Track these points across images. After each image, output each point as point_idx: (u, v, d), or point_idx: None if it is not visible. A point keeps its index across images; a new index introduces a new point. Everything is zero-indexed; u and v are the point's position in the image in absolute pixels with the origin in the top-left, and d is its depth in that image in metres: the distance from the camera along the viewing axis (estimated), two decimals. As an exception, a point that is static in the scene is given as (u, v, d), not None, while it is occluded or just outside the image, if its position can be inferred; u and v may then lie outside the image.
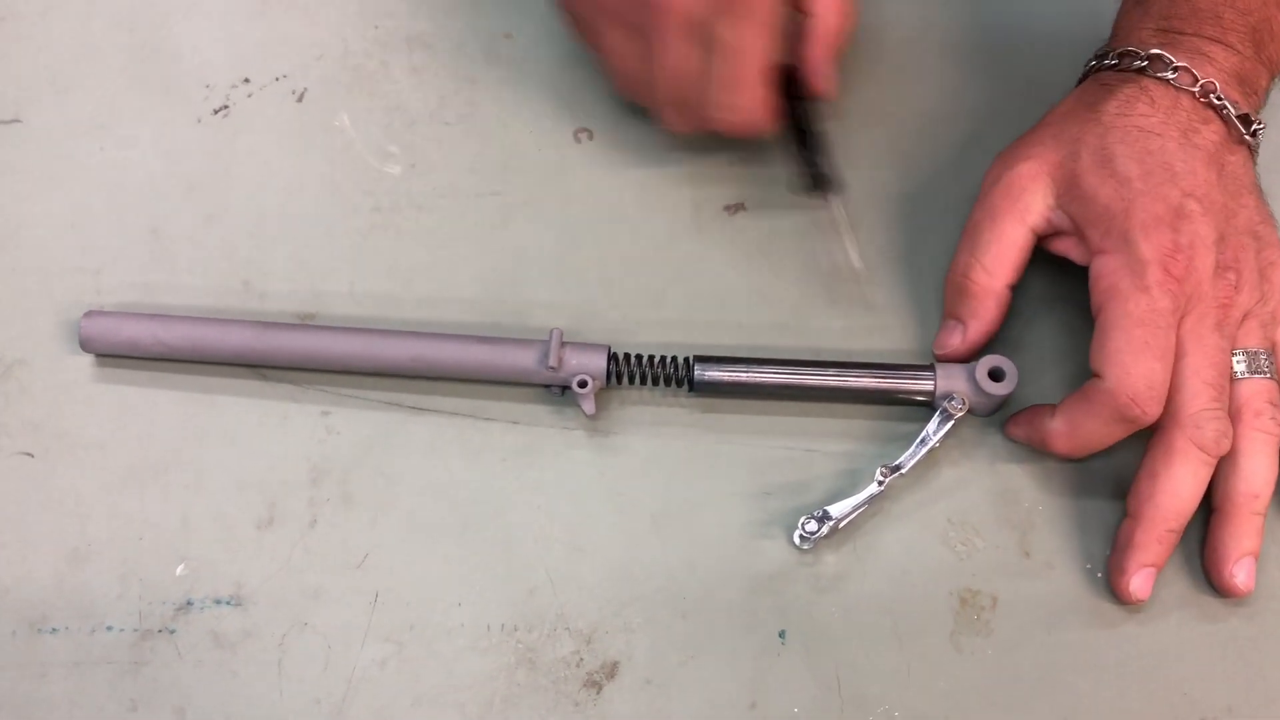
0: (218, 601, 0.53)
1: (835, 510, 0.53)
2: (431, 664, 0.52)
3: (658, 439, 0.56)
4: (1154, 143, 0.53)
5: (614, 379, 0.55)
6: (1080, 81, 0.59)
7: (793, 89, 0.58)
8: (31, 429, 0.57)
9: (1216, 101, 0.54)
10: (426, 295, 0.60)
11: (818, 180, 0.58)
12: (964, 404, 0.54)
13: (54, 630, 0.53)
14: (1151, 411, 0.50)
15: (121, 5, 0.67)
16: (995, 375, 0.54)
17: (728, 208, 0.62)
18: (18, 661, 0.52)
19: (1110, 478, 0.55)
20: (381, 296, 0.60)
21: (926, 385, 0.55)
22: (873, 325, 0.59)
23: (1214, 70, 0.54)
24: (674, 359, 0.56)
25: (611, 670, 0.52)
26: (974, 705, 0.52)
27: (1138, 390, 0.50)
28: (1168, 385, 0.51)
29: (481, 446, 0.56)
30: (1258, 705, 0.51)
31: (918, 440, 0.54)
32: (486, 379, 0.57)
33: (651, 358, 0.56)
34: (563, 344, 0.55)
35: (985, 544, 0.54)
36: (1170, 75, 0.54)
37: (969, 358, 0.56)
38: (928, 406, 0.55)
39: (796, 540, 0.54)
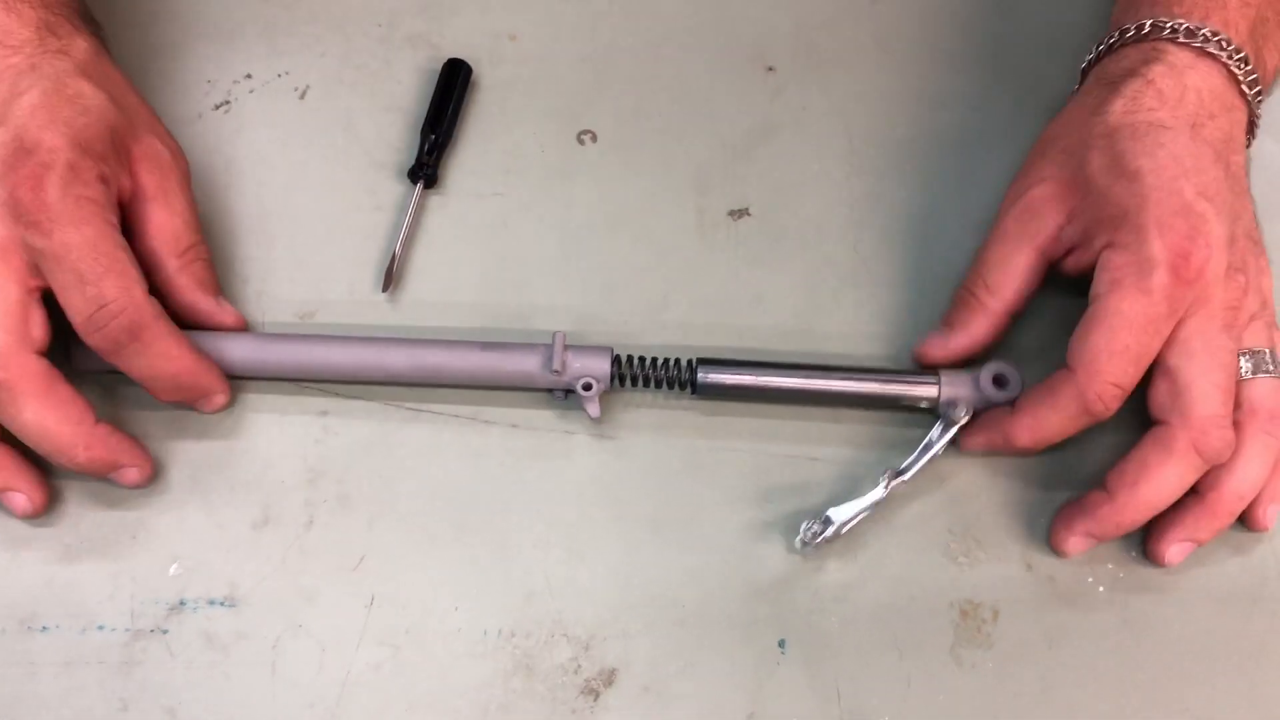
0: (211, 602, 0.53)
1: (836, 514, 0.52)
2: (427, 669, 0.52)
3: (658, 443, 0.56)
4: (1165, 135, 0.52)
5: (616, 382, 0.55)
6: (1081, 81, 0.59)
7: None
8: (25, 424, 0.56)
9: (1226, 48, 0.54)
10: (427, 297, 0.59)
11: None
12: (968, 411, 0.54)
13: (44, 629, 0.52)
14: (1112, 409, 0.51)
15: (123, -2, 0.66)
16: (999, 381, 0.54)
17: (732, 213, 0.61)
18: (7, 660, 0.51)
19: (1113, 491, 0.55)
20: (382, 298, 0.59)
21: (930, 392, 0.54)
22: (876, 333, 0.58)
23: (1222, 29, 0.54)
24: (677, 361, 0.55)
25: (609, 677, 0.52)
26: (974, 718, 0.51)
27: (1104, 391, 0.50)
28: (1133, 386, 0.51)
29: (480, 449, 0.56)
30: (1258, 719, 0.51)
31: (921, 445, 0.54)
32: (489, 385, 0.56)
33: (655, 360, 0.55)
34: (565, 347, 0.55)
35: (987, 556, 0.54)
36: (1178, 27, 0.54)
37: (948, 366, 0.56)
38: (932, 413, 0.55)
39: (797, 545, 0.53)
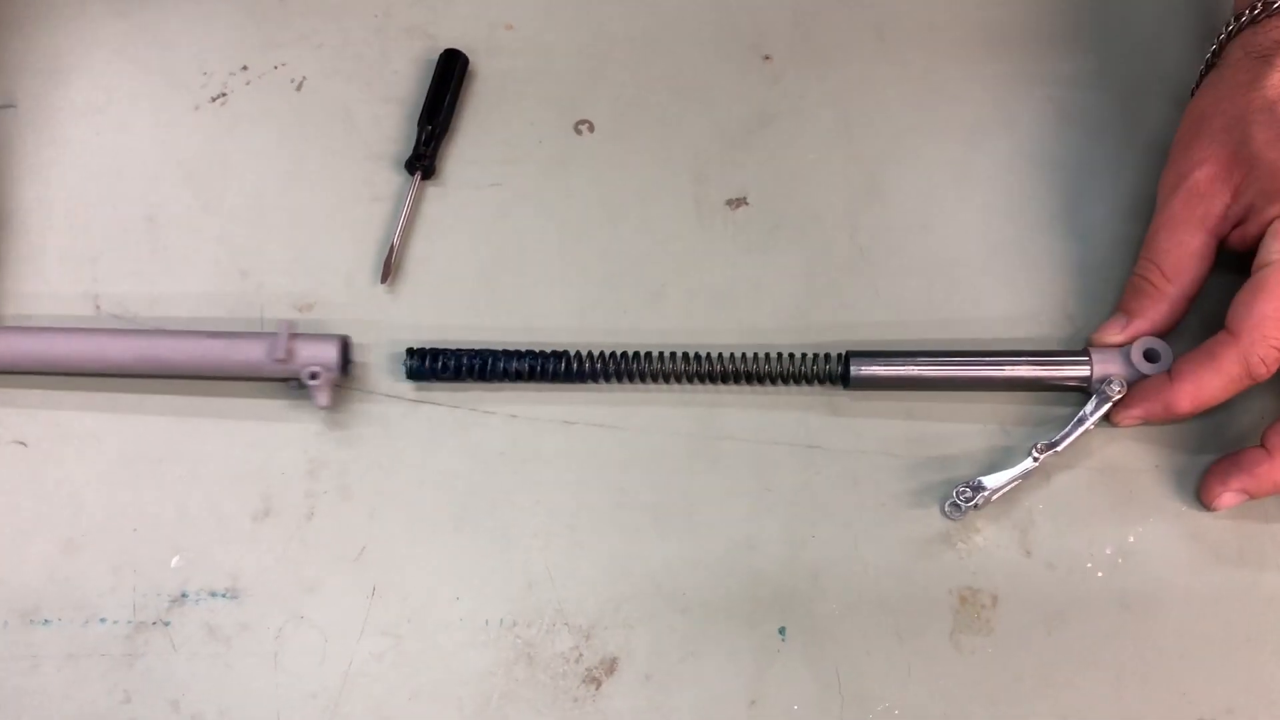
0: (213, 594, 0.53)
1: (989, 481, 0.53)
2: (429, 658, 0.52)
3: (658, 433, 0.56)
4: None
5: (767, 380, 0.55)
6: (1216, 53, 0.58)
7: None
8: (25, 417, 0.56)
9: None
10: (426, 288, 0.59)
11: None
12: (1123, 386, 0.54)
13: (46, 622, 0.52)
14: (1274, 370, 0.51)
15: (118, -10, 0.66)
16: (1151, 356, 0.55)
17: (730, 201, 0.61)
18: (10, 653, 0.52)
19: (1108, 477, 0.55)
20: (380, 289, 0.59)
21: (1083, 371, 0.55)
22: (875, 319, 0.59)
23: None
24: (827, 355, 0.55)
25: (611, 666, 0.52)
26: (973, 704, 0.51)
27: (1268, 354, 0.50)
28: None
29: (481, 439, 0.56)
30: (1257, 705, 0.51)
31: (1074, 420, 0.54)
32: (217, 375, 0.56)
33: (805, 355, 0.55)
34: (293, 336, 0.54)
35: (986, 542, 0.54)
36: None
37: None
38: (1082, 391, 0.56)
39: (946, 508, 0.54)
